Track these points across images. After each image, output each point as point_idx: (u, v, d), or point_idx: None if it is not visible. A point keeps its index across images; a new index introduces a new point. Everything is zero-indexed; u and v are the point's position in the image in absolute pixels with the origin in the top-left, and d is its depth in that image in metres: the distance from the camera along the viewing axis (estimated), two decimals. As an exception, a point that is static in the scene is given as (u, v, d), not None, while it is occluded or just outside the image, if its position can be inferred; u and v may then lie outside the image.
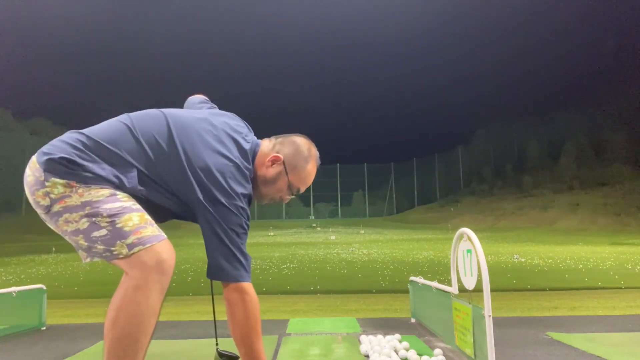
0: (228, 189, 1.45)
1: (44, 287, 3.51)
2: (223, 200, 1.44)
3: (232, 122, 1.65)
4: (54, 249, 20.26)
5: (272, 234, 37.16)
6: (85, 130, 1.49)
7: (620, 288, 6.47)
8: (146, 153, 1.47)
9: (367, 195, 74.13)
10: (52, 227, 1.48)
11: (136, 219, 1.42)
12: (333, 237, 30.93)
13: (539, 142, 58.92)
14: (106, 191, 1.40)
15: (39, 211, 1.45)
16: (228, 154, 1.51)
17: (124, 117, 1.55)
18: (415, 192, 72.06)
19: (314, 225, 49.96)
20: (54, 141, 1.46)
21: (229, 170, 1.48)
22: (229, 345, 1.65)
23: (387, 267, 10.48)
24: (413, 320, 3.48)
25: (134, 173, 1.45)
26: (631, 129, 49.12)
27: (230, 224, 1.44)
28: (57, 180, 1.39)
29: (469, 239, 2.19)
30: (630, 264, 10.10)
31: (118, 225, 1.38)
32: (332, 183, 73.17)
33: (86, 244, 1.41)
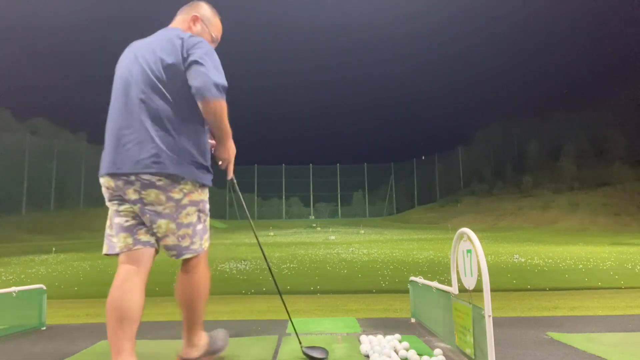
0: (202, 41, 1.85)
1: (44, 287, 3.51)
2: (201, 52, 1.80)
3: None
4: (54, 249, 20.26)
5: (272, 234, 37.14)
6: (169, 127, 1.77)
7: (620, 288, 6.48)
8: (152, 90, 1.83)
9: (367, 195, 74.05)
10: (161, 223, 1.74)
11: (208, 221, 1.90)
12: (333, 237, 30.91)
13: (539, 142, 58.83)
14: (207, 192, 1.84)
15: (167, 205, 1.72)
16: (180, 36, 1.88)
17: (134, 100, 1.86)
18: (415, 192, 72.02)
19: (314, 225, 49.92)
20: (167, 145, 1.74)
21: (187, 35, 1.88)
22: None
23: (387, 267, 10.48)
24: (413, 320, 3.48)
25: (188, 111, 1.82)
26: (631, 129, 49.04)
27: (212, 58, 1.81)
28: (187, 181, 1.74)
29: (469, 238, 2.19)
30: (630, 264, 10.10)
31: (206, 223, 1.84)
32: (332, 183, 73.14)
33: (189, 239, 1.78)
